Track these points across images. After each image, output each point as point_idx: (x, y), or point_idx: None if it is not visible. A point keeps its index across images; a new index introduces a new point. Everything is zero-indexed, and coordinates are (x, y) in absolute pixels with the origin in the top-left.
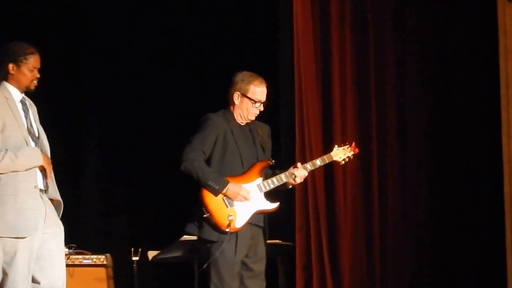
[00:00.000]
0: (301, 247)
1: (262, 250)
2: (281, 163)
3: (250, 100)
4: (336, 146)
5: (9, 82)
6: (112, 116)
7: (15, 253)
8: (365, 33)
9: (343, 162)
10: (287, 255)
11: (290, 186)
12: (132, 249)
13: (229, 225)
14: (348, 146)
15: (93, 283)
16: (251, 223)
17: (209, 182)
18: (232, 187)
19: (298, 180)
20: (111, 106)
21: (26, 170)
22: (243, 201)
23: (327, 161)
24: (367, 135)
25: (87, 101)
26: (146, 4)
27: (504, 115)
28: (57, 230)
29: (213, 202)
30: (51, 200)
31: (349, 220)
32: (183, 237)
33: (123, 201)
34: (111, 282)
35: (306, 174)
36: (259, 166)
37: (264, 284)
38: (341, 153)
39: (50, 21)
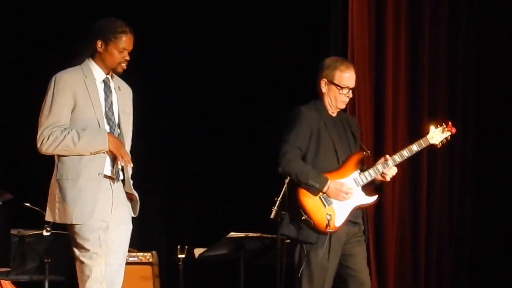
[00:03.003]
0: None
1: (361, 249)
2: None
3: (336, 86)
4: (432, 127)
5: (94, 60)
6: (153, 112)
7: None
8: (420, 22)
9: (440, 145)
10: None
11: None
12: (179, 247)
13: (328, 225)
14: (445, 126)
15: (139, 281)
16: (349, 220)
17: (309, 181)
18: (333, 184)
19: (388, 178)
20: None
21: (91, 154)
22: (344, 199)
23: (424, 146)
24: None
25: None
26: None
27: None
28: (123, 227)
29: (310, 202)
30: (128, 194)
31: (396, 221)
32: (229, 234)
33: (167, 198)
34: (157, 281)
35: (396, 171)
36: (354, 159)
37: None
38: (438, 135)
39: None
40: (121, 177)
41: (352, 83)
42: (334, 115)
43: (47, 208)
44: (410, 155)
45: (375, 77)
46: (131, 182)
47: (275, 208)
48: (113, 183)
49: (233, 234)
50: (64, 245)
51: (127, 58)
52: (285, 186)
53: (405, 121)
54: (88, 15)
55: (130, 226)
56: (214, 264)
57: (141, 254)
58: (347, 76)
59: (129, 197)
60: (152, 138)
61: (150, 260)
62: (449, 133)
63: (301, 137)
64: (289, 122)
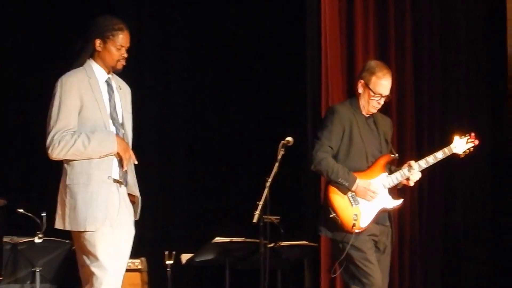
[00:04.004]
0: (326, 249)
1: (388, 245)
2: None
3: (370, 91)
4: (456, 137)
5: (95, 60)
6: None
7: (95, 245)
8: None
9: (463, 155)
10: (313, 257)
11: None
12: (166, 253)
13: (354, 225)
14: (468, 137)
15: None
16: (376, 222)
17: (339, 180)
18: (361, 183)
19: (412, 183)
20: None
21: (100, 157)
22: (372, 199)
23: (448, 154)
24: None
25: None
26: None
27: None
28: (128, 230)
29: (338, 201)
30: (129, 195)
31: None
32: (214, 239)
33: (154, 204)
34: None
35: (420, 175)
36: (382, 161)
37: (387, 278)
38: (462, 145)
39: None
40: (128, 180)
41: (385, 91)
42: (367, 116)
43: (56, 215)
44: (435, 161)
45: (347, 66)
46: (136, 184)
47: (257, 212)
48: (120, 186)
49: (218, 239)
50: (56, 253)
51: (125, 55)
52: (266, 190)
53: None
54: (85, 14)
55: (133, 231)
56: (201, 269)
57: (130, 260)
58: (381, 84)
59: (131, 199)
60: (140, 144)
61: (139, 267)
62: (472, 144)
63: (334, 136)
64: (323, 120)
